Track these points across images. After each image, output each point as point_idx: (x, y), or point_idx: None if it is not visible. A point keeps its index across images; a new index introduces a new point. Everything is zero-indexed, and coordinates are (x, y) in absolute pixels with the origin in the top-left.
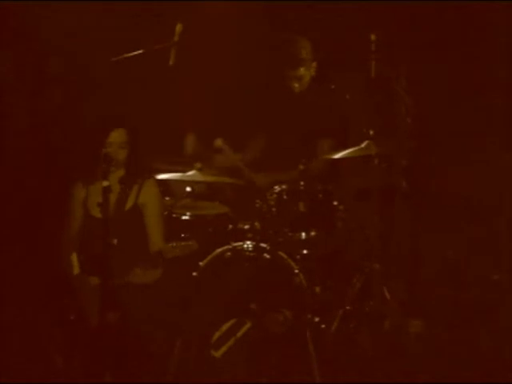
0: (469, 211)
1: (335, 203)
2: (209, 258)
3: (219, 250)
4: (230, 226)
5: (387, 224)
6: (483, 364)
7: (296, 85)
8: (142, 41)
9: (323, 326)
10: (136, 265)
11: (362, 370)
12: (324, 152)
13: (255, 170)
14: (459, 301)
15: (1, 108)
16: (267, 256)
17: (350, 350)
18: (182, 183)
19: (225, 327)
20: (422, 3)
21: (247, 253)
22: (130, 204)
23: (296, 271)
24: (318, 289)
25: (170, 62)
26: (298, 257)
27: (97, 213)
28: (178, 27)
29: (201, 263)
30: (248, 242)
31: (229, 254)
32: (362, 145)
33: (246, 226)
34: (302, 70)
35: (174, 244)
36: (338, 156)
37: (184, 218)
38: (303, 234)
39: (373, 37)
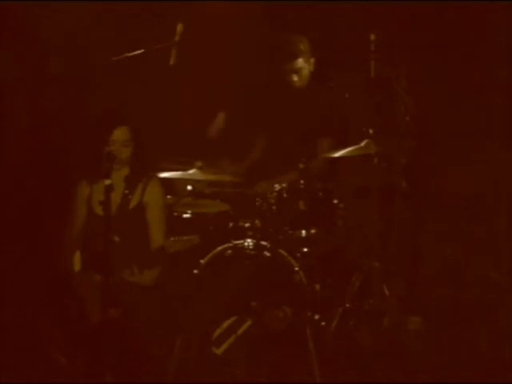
0: (468, 210)
1: (335, 201)
2: (209, 255)
3: (220, 247)
4: (231, 224)
5: (386, 222)
6: (482, 361)
7: (295, 78)
8: (143, 40)
9: (323, 323)
10: (134, 263)
11: (361, 367)
12: (324, 151)
13: (256, 173)
14: (458, 298)
15: (1, 108)
16: (267, 254)
17: (350, 347)
18: (183, 181)
19: (225, 324)
20: (422, 3)
21: (248, 251)
22: (134, 202)
23: (296, 269)
24: (317, 286)
25: (171, 62)
26: (298, 255)
27: (100, 211)
28: (179, 27)
29: (202, 261)
30: (248, 240)
31: (229, 251)
32: (362, 144)
33: (247, 224)
34: (299, 62)
35: (176, 238)
36: (337, 155)
37: (185, 216)
38: (303, 232)
39: (372, 36)
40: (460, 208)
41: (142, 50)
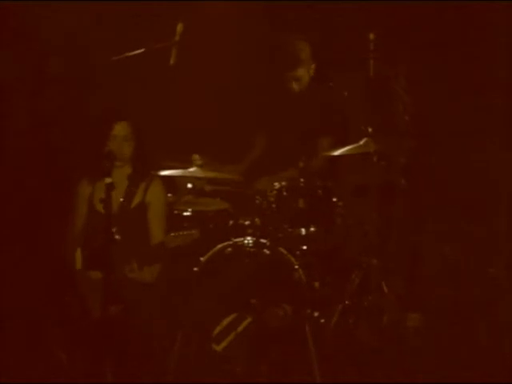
0: (466, 208)
1: (334, 200)
2: (210, 253)
3: (220, 245)
4: (231, 222)
5: (385, 220)
6: (481, 358)
7: (295, 86)
8: (143, 40)
9: (322, 320)
10: (134, 260)
11: (360, 364)
12: (324, 150)
13: (257, 171)
14: (457, 295)
15: (2, 108)
16: (267, 251)
17: (349, 344)
18: (184, 180)
19: (225, 322)
20: (422, 3)
21: (247, 248)
22: (136, 201)
23: (296, 267)
24: (317, 284)
25: (171, 62)
26: (298, 252)
27: (101, 208)
28: (179, 27)
29: (202, 258)
30: (248, 238)
31: (229, 249)
32: (361, 142)
33: (247, 222)
34: (300, 71)
35: (177, 233)
36: (337, 153)
37: (185, 214)
38: (303, 230)
39: (371, 36)
40: (459, 206)
41: (143, 50)
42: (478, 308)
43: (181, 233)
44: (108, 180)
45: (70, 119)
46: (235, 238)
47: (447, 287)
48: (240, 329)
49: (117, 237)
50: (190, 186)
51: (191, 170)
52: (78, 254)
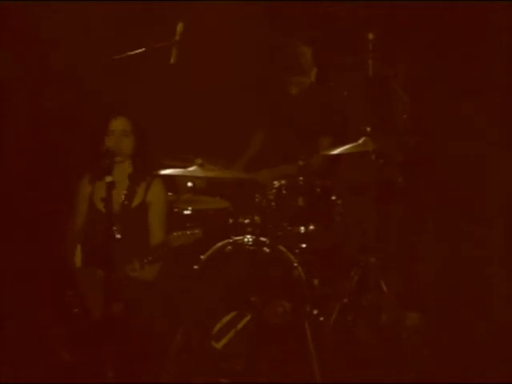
0: (464, 206)
1: (333, 198)
2: (210, 251)
3: (220, 243)
4: (231, 221)
5: (384, 218)
6: (479, 356)
7: (294, 90)
8: (144, 40)
9: (322, 318)
10: (136, 259)
11: (359, 362)
12: (324, 149)
13: (257, 167)
14: (455, 294)
15: (3, 107)
16: (267, 250)
17: (348, 341)
18: (184, 178)
19: (225, 319)
20: (421, 3)
21: (247, 246)
22: (137, 201)
23: (295, 264)
24: (316, 282)
25: (171, 61)
26: (297, 250)
27: (102, 207)
28: (179, 26)
29: (202, 257)
30: (248, 236)
31: (229, 247)
32: (360, 141)
33: (246, 221)
34: (300, 78)
35: (180, 233)
36: (335, 152)
37: (186, 212)
38: (302, 228)
39: (370, 36)
40: (457, 205)
41: (143, 49)
42: (476, 307)
43: (184, 232)
44: (109, 179)
45: (70, 118)
46: (235, 236)
47: (446, 286)
48: (240, 326)
49: (117, 236)
50: (190, 184)
51: (191, 169)
52: (78, 252)
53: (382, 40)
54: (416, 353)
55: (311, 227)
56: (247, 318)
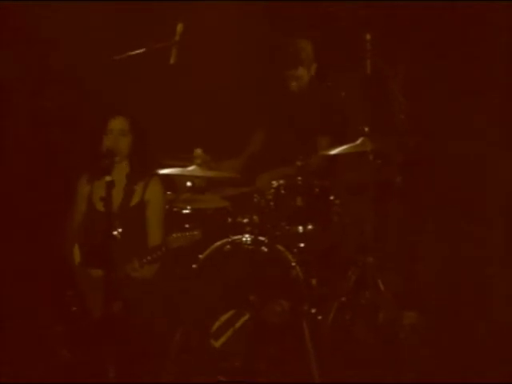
0: (462, 206)
1: (331, 198)
2: (208, 250)
3: (219, 243)
4: (230, 220)
5: (382, 218)
6: (477, 355)
7: (294, 85)
8: (144, 40)
9: (319, 317)
10: (135, 258)
11: (357, 361)
12: (323, 149)
13: (255, 169)
14: (453, 293)
15: (3, 107)
16: (265, 249)
17: (346, 340)
18: (183, 178)
19: (224, 318)
20: (421, 3)
21: (246, 246)
22: (135, 200)
23: (293, 264)
24: (314, 281)
25: (171, 61)
26: (295, 250)
27: (101, 207)
28: (179, 27)
29: (201, 256)
30: (247, 236)
31: (228, 246)
32: (358, 141)
33: (245, 220)
34: (300, 70)
35: (179, 234)
36: (333, 152)
37: (185, 211)
38: (300, 228)
39: (368, 36)
40: (455, 204)
41: (143, 50)
42: (475, 306)
43: (183, 234)
44: (108, 178)
45: (70, 118)
46: (234, 235)
47: (444, 286)
48: (238, 325)
49: (116, 234)
50: (189, 184)
51: (190, 168)
52: (76, 250)
53: (382, 40)
54: (414, 352)
55: (309, 227)
56: (245, 317)
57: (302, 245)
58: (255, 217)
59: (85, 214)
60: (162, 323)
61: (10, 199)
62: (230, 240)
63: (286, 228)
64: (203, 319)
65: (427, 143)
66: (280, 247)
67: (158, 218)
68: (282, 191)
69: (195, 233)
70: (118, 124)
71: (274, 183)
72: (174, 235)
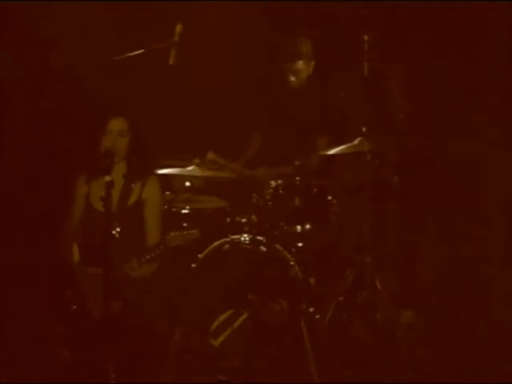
0: (460, 206)
1: (329, 198)
2: (207, 250)
3: (217, 242)
4: (228, 220)
5: (379, 218)
6: (475, 354)
7: (293, 79)
8: (144, 40)
9: (317, 316)
10: (134, 257)
11: (355, 359)
12: (321, 149)
13: (255, 165)
14: (450, 292)
15: (3, 107)
16: (263, 248)
17: (344, 339)
18: (182, 178)
19: (222, 317)
20: (421, 3)
21: (244, 245)
22: (133, 199)
23: (291, 263)
24: (312, 280)
25: (170, 62)
26: (294, 249)
27: (100, 207)
28: (178, 27)
29: (199, 255)
30: (245, 235)
31: (227, 246)
32: (355, 141)
33: (243, 220)
34: (300, 64)
35: (177, 233)
36: (331, 152)
37: (184, 211)
38: (298, 228)
39: (366, 37)
40: (452, 204)
41: (142, 50)
42: (471, 304)
43: (182, 232)
44: (108, 178)
45: (70, 118)
46: (232, 235)
47: (442, 285)
48: (237, 324)
49: (115, 234)
50: (188, 184)
51: (189, 168)
52: (75, 249)
53: (382, 40)
54: (412, 351)
55: (307, 226)
56: (244, 316)
57: (300, 244)
58: (254, 216)
59: (83, 213)
60: (162, 322)
61: (10, 199)
62: (228, 239)
63: (284, 228)
64: (202, 318)
65: (426, 143)
66: (278, 247)
67: (155, 217)
68: (281, 191)
69: (194, 231)
70: (117, 125)
71: (273, 183)
72: (173, 234)
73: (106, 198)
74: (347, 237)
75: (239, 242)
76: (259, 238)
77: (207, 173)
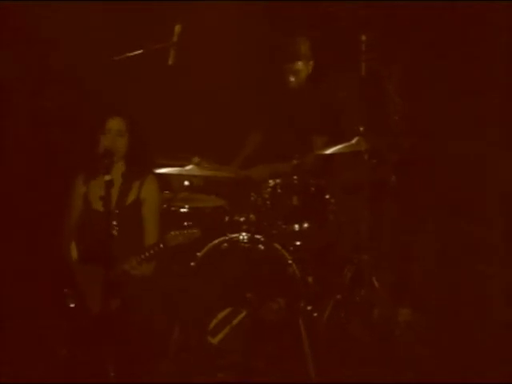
0: (456, 205)
1: (327, 197)
2: (206, 248)
3: (216, 241)
4: (227, 218)
5: (376, 217)
6: (472, 352)
7: (292, 79)
8: (144, 40)
9: (315, 314)
10: (133, 256)
11: (352, 357)
12: (319, 149)
13: (252, 165)
14: (447, 290)
15: (3, 107)
16: (262, 247)
17: (342, 337)
18: (181, 177)
19: (221, 315)
20: (421, 3)
21: (243, 244)
22: (131, 198)
23: (289, 262)
24: (310, 278)
25: (169, 62)
26: (292, 248)
27: (99, 206)
28: (177, 28)
29: (198, 254)
30: (243, 234)
31: (225, 245)
32: (353, 141)
33: (242, 219)
34: (299, 65)
35: (177, 232)
36: (329, 151)
37: (182, 210)
38: (296, 226)
39: (363, 37)
40: (449, 203)
41: (141, 51)
42: (468, 302)
43: (182, 231)
44: (108, 177)
45: (70, 118)
46: (231, 233)
47: (438, 283)
48: (235, 322)
49: (114, 233)
50: (186, 183)
51: (188, 168)
52: (74, 249)
53: (381, 40)
54: (409, 349)
55: (305, 225)
56: (242, 314)
57: (298, 243)
58: (252, 215)
59: (81, 213)
60: (160, 320)
61: (10, 199)
62: (227, 238)
63: (282, 226)
64: (201, 316)
65: (426, 143)
66: (276, 245)
67: (153, 216)
68: (279, 190)
69: (194, 231)
70: (115, 124)
71: (271, 182)
72: (173, 233)
73: (105, 197)
74: (345, 235)
75: (238, 240)
76: (257, 236)
77: (206, 172)
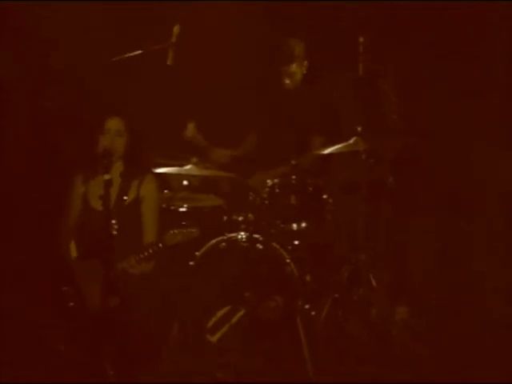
0: (454, 205)
1: (325, 196)
2: (204, 248)
3: (214, 240)
4: (225, 218)
5: (374, 217)
6: (468, 351)
7: (287, 81)
8: (144, 40)
9: (313, 312)
10: (132, 255)
11: (350, 356)
12: (316, 149)
13: (249, 169)
14: (444, 289)
15: (3, 107)
16: (260, 246)
17: (339, 336)
18: (180, 177)
19: (220, 314)
20: (421, 3)
21: (241, 243)
22: (130, 197)
23: (287, 261)
24: (308, 277)
25: (168, 62)
26: (290, 247)
27: (98, 205)
28: (176, 28)
29: (197, 253)
30: (242, 233)
31: (224, 244)
32: (351, 141)
33: (240, 218)
34: (293, 67)
35: (176, 231)
36: (327, 151)
37: (181, 210)
38: (294, 226)
39: (361, 39)
40: (446, 203)
41: (141, 51)
42: (465, 301)
43: (180, 231)
44: (107, 177)
45: (70, 118)
46: (229, 233)
47: (436, 282)
48: (234, 320)
49: (113, 232)
50: (185, 182)
51: (187, 167)
52: (73, 246)
53: (380, 40)
54: (406, 347)
55: (303, 225)
56: (241, 313)
57: (296, 242)
58: (250, 215)
59: (80, 212)
60: (159, 319)
61: (10, 198)
62: (225, 237)
63: (280, 226)
64: (200, 315)
65: (425, 143)
66: (275, 244)
67: (152, 215)
68: (277, 190)
69: (193, 230)
70: (114, 124)
71: (269, 182)
72: (172, 232)
73: (104, 197)
74: (343, 235)
75: (236, 239)
76: (256, 235)
77: (205, 172)
